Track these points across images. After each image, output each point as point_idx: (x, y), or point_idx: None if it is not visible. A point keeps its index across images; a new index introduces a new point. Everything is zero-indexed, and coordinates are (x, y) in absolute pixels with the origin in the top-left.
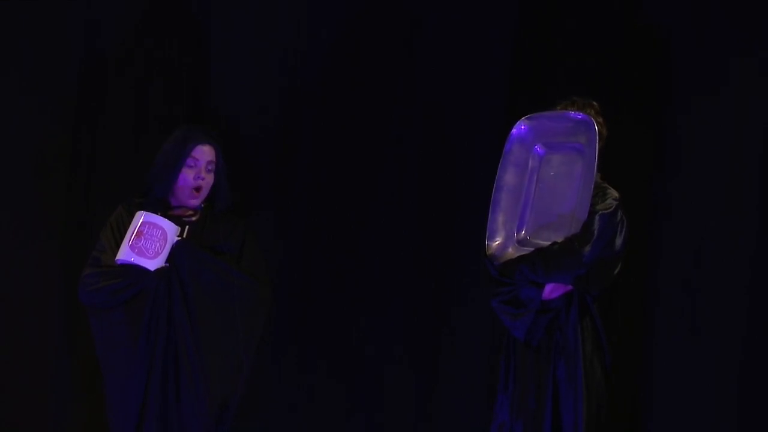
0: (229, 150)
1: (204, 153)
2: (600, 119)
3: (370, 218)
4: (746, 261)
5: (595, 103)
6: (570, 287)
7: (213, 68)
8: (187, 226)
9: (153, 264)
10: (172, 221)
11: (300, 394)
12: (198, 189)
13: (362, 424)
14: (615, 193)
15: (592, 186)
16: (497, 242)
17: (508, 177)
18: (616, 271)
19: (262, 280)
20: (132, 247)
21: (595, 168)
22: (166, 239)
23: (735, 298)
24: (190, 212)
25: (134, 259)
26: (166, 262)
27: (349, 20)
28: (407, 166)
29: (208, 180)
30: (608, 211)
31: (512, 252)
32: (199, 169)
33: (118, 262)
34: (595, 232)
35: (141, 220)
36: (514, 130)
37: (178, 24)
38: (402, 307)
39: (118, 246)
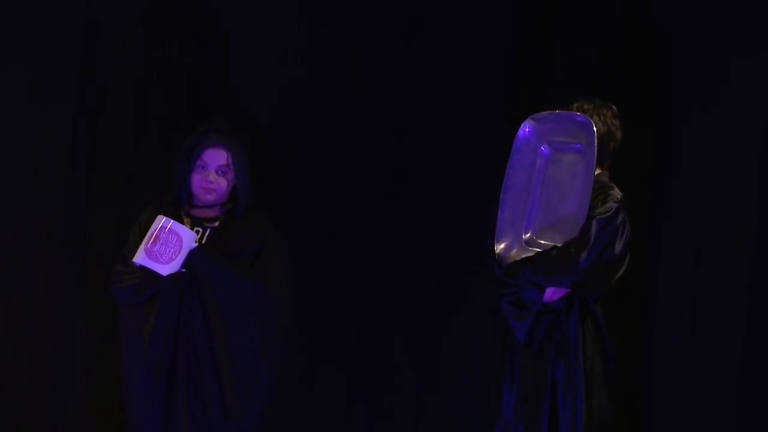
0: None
1: (214, 157)
2: (616, 122)
3: (370, 218)
4: (746, 261)
5: (614, 106)
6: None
7: (213, 68)
8: (208, 230)
9: (166, 269)
10: (194, 222)
11: (300, 393)
12: (209, 190)
13: (362, 424)
14: (617, 195)
15: (591, 188)
16: (504, 243)
17: (515, 177)
18: (618, 275)
19: (279, 284)
20: (147, 251)
21: (593, 171)
22: (181, 245)
23: (735, 298)
24: (211, 215)
25: (148, 262)
26: (182, 267)
27: (349, 20)
28: (407, 166)
29: (220, 183)
30: (606, 215)
31: (516, 253)
32: (208, 172)
33: (135, 264)
34: (592, 237)
35: (159, 225)
36: (520, 131)
37: (178, 24)
38: (402, 307)
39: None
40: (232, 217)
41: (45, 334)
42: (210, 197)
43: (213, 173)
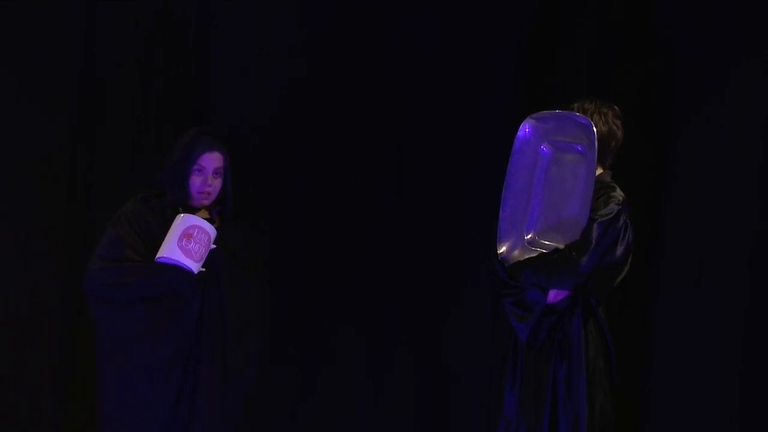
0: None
1: (211, 160)
2: (618, 122)
3: (371, 218)
4: (746, 261)
5: (615, 106)
6: None
7: (213, 70)
8: None
9: (196, 267)
10: None
11: (300, 393)
12: (207, 194)
13: (362, 424)
14: (619, 196)
15: (592, 190)
16: (507, 243)
17: (516, 177)
18: (620, 278)
19: (264, 284)
20: (181, 248)
21: (595, 172)
22: (209, 245)
23: (735, 298)
24: (207, 218)
25: (184, 259)
26: (203, 266)
27: (350, 20)
28: (408, 167)
29: (216, 185)
30: (607, 218)
31: (519, 254)
32: (206, 176)
33: (160, 260)
34: (593, 240)
35: (189, 223)
36: (519, 131)
37: (177, 27)
38: (402, 307)
39: (140, 240)
40: (224, 219)
41: (45, 337)
42: (206, 201)
43: (210, 176)
